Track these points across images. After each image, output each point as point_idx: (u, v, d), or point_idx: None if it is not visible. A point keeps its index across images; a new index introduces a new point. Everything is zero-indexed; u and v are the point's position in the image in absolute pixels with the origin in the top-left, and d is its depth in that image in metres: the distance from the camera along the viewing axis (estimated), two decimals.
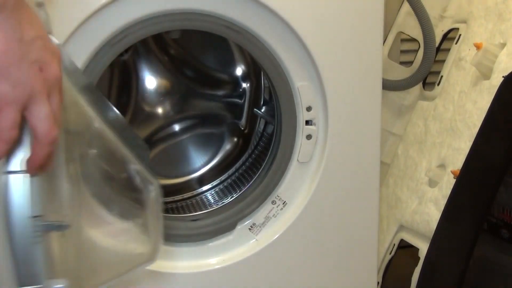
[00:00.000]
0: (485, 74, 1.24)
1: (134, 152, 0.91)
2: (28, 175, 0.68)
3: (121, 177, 0.91)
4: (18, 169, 0.69)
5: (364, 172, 1.24)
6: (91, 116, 0.87)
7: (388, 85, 1.44)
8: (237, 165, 1.47)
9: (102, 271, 0.88)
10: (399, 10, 1.50)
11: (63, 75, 0.74)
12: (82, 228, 0.84)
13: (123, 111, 1.44)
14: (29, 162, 0.65)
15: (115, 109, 0.97)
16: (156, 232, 0.92)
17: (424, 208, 1.30)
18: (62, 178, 0.83)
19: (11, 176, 0.68)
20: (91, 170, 0.88)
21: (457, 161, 1.24)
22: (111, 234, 0.90)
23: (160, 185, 0.94)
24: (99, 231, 0.89)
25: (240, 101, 1.53)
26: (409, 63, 1.55)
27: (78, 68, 1.00)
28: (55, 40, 0.88)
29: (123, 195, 0.92)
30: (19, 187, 0.69)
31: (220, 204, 1.32)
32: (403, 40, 1.63)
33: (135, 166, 0.89)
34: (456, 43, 1.41)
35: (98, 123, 0.87)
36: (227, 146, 1.53)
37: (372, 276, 1.29)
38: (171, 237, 1.18)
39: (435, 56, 1.42)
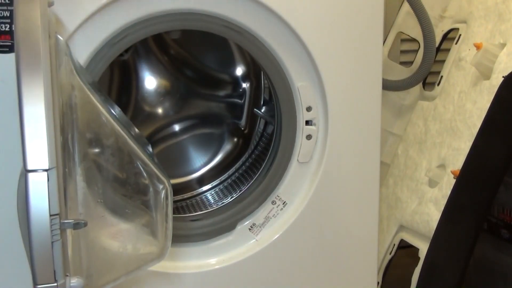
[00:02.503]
0: (485, 74, 1.24)
1: (141, 149, 0.91)
2: (46, 173, 0.68)
3: (126, 177, 0.91)
4: (37, 167, 0.69)
5: (364, 172, 1.23)
6: (103, 113, 0.86)
7: (388, 85, 1.44)
8: (237, 165, 1.47)
9: (112, 269, 0.88)
10: (399, 10, 1.50)
11: (74, 73, 0.73)
12: (91, 228, 0.84)
13: (123, 111, 1.43)
14: None
15: (117, 107, 0.97)
16: (165, 231, 0.92)
17: (424, 208, 1.30)
18: (76, 177, 0.84)
19: (30, 175, 0.69)
20: (94, 171, 0.88)
21: (457, 161, 1.24)
22: (116, 235, 0.91)
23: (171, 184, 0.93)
24: (104, 232, 0.90)
25: (240, 101, 1.53)
26: (409, 63, 1.55)
27: (82, 67, 1.00)
28: (60, 38, 0.88)
29: (127, 195, 0.92)
30: (38, 185, 0.69)
31: (220, 204, 1.32)
32: (403, 40, 1.63)
33: (144, 164, 0.89)
34: (456, 43, 1.41)
35: (110, 119, 0.87)
36: (227, 146, 1.53)
37: (372, 276, 1.29)
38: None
39: (435, 56, 1.42)
